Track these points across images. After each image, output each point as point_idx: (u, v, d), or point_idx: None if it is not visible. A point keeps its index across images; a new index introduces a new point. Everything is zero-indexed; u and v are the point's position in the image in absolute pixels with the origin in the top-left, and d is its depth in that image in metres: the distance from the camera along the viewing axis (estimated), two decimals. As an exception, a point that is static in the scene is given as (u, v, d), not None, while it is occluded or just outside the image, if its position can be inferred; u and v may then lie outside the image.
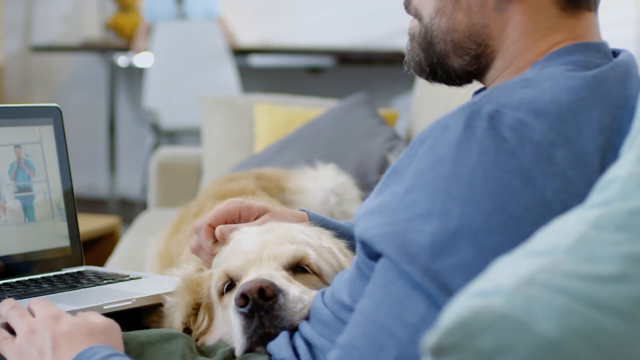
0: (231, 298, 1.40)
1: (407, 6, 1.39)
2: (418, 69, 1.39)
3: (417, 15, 1.37)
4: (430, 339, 0.77)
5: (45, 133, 1.74)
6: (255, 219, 1.60)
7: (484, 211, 1.06)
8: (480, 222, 1.05)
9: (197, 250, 1.60)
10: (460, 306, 0.78)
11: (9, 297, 1.48)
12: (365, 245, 1.17)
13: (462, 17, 1.31)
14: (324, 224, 1.60)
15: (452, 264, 1.04)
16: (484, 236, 1.05)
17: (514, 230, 1.05)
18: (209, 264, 1.58)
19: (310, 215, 1.62)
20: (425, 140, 1.14)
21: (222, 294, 1.48)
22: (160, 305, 1.54)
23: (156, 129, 6.06)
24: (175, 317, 1.51)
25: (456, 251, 1.05)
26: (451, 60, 1.34)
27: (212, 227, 1.57)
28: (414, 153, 1.15)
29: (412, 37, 1.39)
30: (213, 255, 1.57)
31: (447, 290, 1.03)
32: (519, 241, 1.00)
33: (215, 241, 1.56)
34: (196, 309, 1.52)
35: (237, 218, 1.60)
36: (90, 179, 7.11)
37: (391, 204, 1.13)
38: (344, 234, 1.59)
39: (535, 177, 1.07)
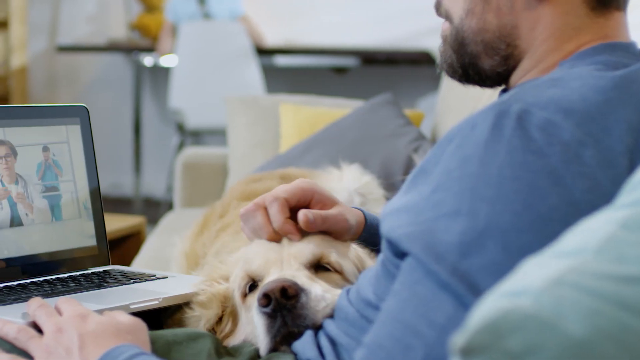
0: (254, 298, 1.40)
1: (438, 8, 1.39)
2: (450, 71, 1.39)
3: (447, 17, 1.37)
4: (459, 339, 0.77)
5: (73, 133, 1.75)
6: (321, 208, 1.52)
7: (511, 211, 1.05)
8: (508, 222, 1.05)
9: (252, 213, 1.50)
10: (489, 307, 0.77)
11: (36, 295, 1.49)
12: (391, 244, 1.17)
13: (492, 18, 1.30)
14: (378, 223, 1.57)
15: (480, 264, 1.04)
16: (512, 236, 1.04)
17: (542, 230, 1.04)
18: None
19: (365, 215, 1.57)
20: (452, 139, 1.14)
21: (245, 295, 1.48)
22: (187, 304, 1.54)
23: (181, 129, 6.09)
24: (199, 325, 1.50)
25: (484, 250, 1.04)
26: (482, 61, 1.34)
27: (288, 202, 1.50)
28: (442, 152, 1.14)
29: (444, 40, 1.39)
30: (251, 238, 1.52)
31: (475, 290, 1.03)
32: (547, 241, 0.99)
33: (288, 218, 1.48)
34: (220, 317, 1.52)
35: (310, 200, 1.52)
36: (115, 179, 7.15)
37: (418, 203, 1.12)
38: None
39: (564, 177, 1.07)
